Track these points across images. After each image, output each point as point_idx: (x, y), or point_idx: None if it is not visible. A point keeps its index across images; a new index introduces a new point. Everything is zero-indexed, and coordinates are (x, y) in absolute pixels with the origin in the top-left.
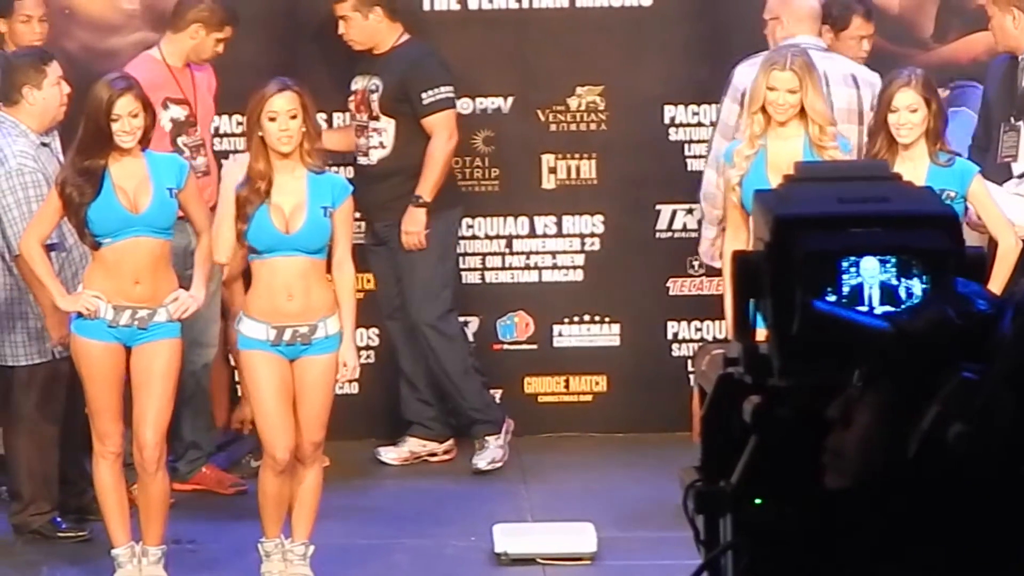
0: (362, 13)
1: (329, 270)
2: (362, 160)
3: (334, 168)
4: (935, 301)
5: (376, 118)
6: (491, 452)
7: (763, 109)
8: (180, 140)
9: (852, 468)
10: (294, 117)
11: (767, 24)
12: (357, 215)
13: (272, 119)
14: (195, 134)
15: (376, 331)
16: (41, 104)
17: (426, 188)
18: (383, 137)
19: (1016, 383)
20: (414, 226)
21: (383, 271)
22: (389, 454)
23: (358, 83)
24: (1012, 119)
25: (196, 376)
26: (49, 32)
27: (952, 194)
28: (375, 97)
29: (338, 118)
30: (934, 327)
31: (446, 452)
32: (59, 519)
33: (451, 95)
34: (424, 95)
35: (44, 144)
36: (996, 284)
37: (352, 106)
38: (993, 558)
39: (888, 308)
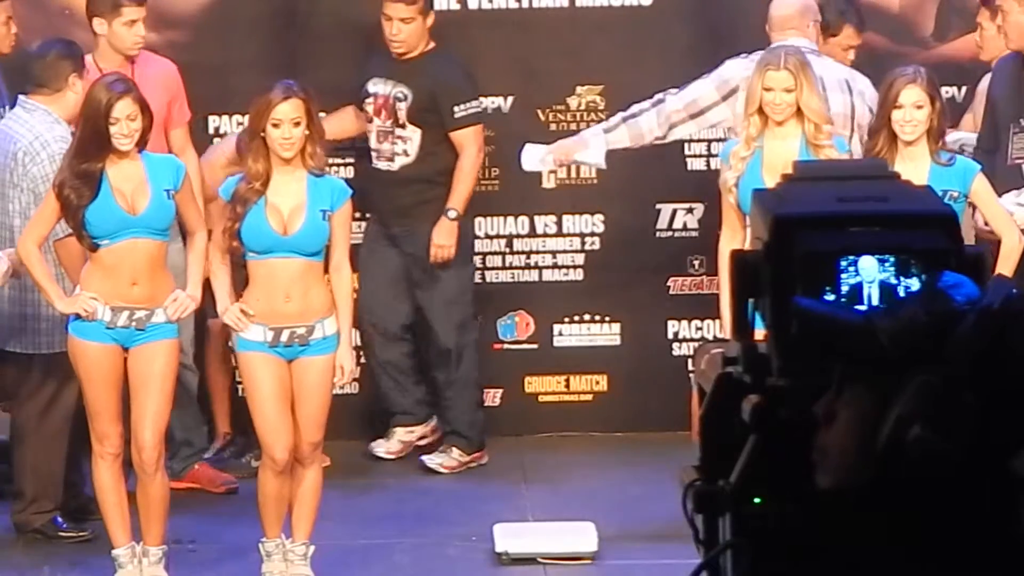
0: (424, 17)
1: (326, 272)
2: (382, 165)
3: (334, 169)
4: (911, 299)
5: (403, 126)
6: (449, 460)
7: (760, 110)
8: None
9: (834, 467)
10: (297, 124)
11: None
12: (368, 216)
13: (276, 125)
14: None
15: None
16: (81, 94)
17: (459, 202)
18: (408, 145)
19: (974, 384)
20: (447, 239)
21: (380, 271)
22: (379, 448)
23: (379, 87)
24: (1022, 121)
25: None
26: (50, 24)
27: (955, 194)
28: (403, 106)
29: None
30: (903, 327)
31: (433, 432)
32: (60, 519)
33: (480, 109)
34: (456, 109)
35: (74, 134)
36: None
37: (370, 109)
38: (974, 555)
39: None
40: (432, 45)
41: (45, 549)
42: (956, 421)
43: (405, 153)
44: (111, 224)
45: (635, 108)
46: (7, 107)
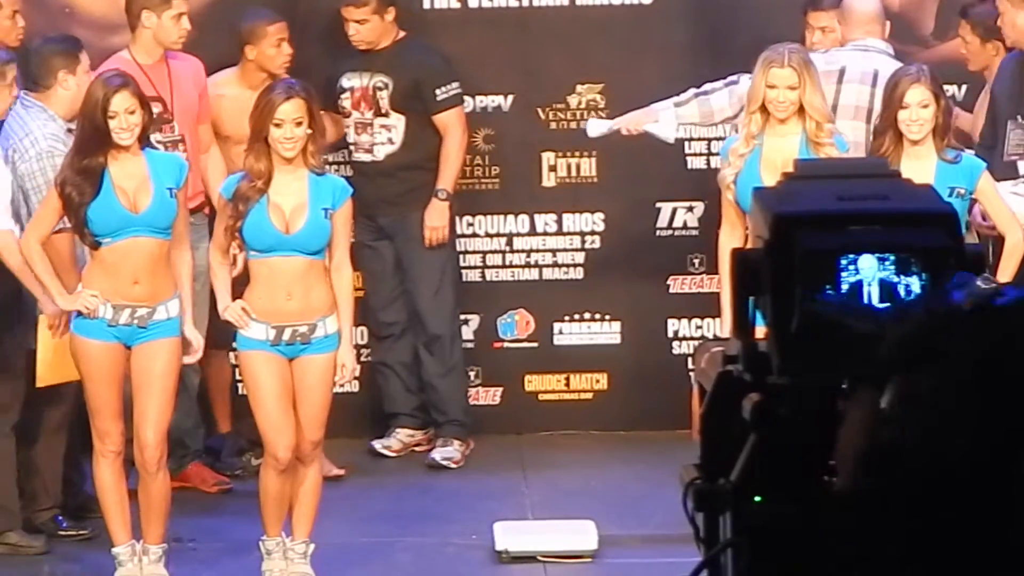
0: (379, 15)
1: (327, 271)
2: (365, 157)
3: (333, 167)
4: (917, 302)
5: (385, 115)
6: (455, 453)
7: (762, 108)
8: (153, 137)
9: (845, 468)
10: (299, 124)
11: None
12: (363, 211)
13: (278, 125)
14: (170, 131)
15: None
16: (74, 90)
17: (448, 182)
18: (392, 134)
19: (980, 386)
20: (440, 220)
21: (379, 267)
22: (378, 445)
23: (353, 80)
24: (1019, 117)
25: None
26: (50, 24)
27: (962, 191)
28: (384, 94)
29: None
30: (908, 332)
31: (429, 442)
32: (60, 517)
33: (460, 91)
34: (438, 92)
35: (71, 131)
36: (1002, 280)
37: (348, 104)
38: (976, 558)
39: (888, 305)
40: (402, 34)
41: (45, 546)
42: (955, 423)
43: (390, 142)
44: (113, 222)
45: (707, 86)
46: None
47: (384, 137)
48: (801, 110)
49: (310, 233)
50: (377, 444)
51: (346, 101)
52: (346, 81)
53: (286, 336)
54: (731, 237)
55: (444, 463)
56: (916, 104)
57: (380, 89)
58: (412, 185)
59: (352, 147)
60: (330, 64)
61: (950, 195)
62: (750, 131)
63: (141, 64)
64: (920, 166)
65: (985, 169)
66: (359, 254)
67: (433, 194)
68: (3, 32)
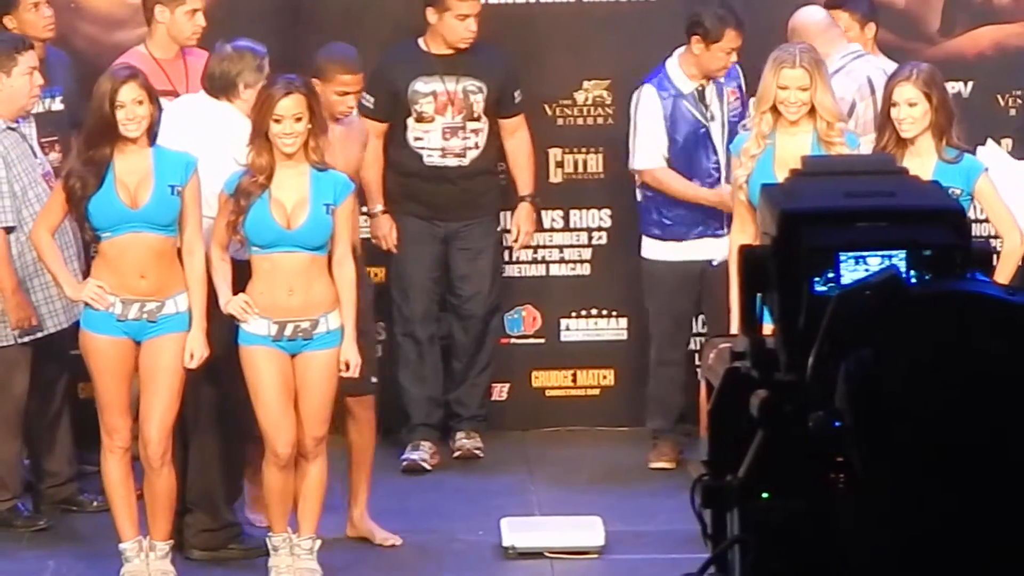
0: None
1: (330, 267)
2: (453, 162)
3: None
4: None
5: (478, 119)
6: (479, 442)
7: (772, 108)
8: None
9: None
10: (299, 120)
11: None
12: (427, 215)
13: (277, 121)
14: None
15: (383, 325)
16: (8, 91)
17: (532, 185)
18: (479, 138)
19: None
20: (532, 224)
21: (427, 274)
22: (417, 456)
23: (433, 84)
24: None
25: None
26: (56, 20)
27: (958, 191)
28: (480, 99)
29: None
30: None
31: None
32: (21, 506)
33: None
34: (516, 95)
35: (11, 128)
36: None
37: (430, 108)
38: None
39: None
40: None
41: (51, 544)
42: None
43: (476, 146)
44: (111, 217)
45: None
46: (46, 96)
47: (472, 141)
48: (812, 110)
49: (311, 229)
50: (415, 456)
51: (427, 106)
52: (423, 85)
53: (287, 332)
54: (742, 236)
55: (478, 452)
56: (904, 102)
57: (473, 93)
58: (486, 188)
59: (437, 152)
60: (388, 69)
61: None
62: (760, 131)
63: (157, 59)
64: (919, 164)
65: (985, 171)
66: (403, 262)
67: (522, 199)
68: (30, 25)
